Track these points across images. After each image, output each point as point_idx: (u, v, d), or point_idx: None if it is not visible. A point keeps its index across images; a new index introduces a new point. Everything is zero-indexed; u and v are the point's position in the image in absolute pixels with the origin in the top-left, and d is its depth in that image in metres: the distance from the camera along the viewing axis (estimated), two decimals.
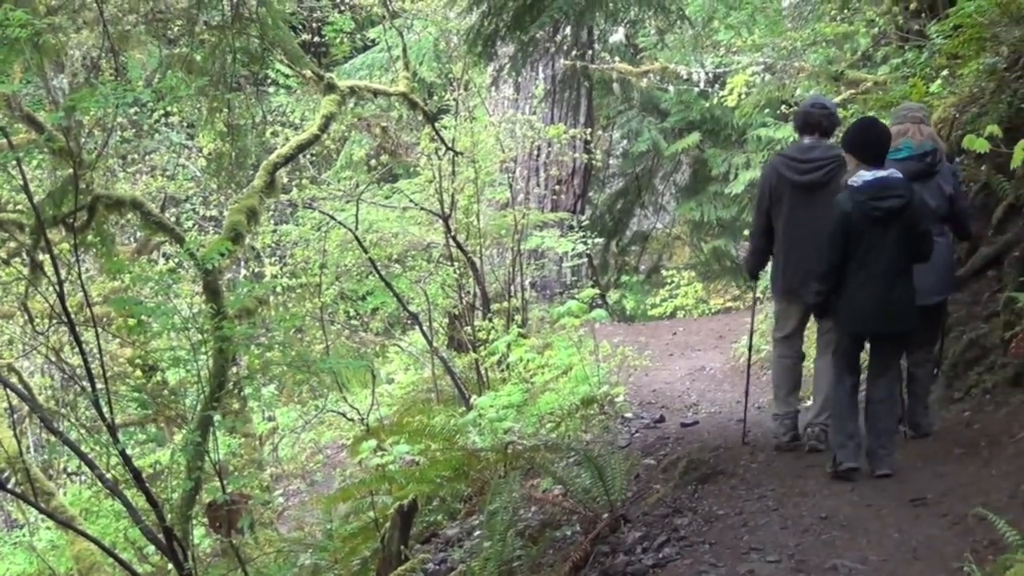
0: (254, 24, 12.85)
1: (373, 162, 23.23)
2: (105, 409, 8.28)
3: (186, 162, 22.69)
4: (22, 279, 13.73)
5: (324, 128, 14.98)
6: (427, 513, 11.60)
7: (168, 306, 9.63)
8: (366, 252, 15.91)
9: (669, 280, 26.96)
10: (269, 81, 18.95)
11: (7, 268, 15.17)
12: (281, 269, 21.75)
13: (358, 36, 24.68)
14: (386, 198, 18.66)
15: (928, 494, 8.50)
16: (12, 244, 14.34)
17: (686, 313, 25.70)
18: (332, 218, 16.78)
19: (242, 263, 22.92)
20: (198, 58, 13.15)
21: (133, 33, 14.09)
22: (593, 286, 22.17)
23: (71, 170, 11.68)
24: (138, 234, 20.21)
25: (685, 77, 25.87)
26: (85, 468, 10.52)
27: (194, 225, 22.67)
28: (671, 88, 27.11)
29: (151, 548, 11.24)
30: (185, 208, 23.02)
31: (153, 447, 16.20)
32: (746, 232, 18.53)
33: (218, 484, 8.97)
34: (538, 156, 23.33)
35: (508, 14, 12.46)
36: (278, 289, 20.17)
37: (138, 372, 16.69)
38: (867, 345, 9.64)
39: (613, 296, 27.90)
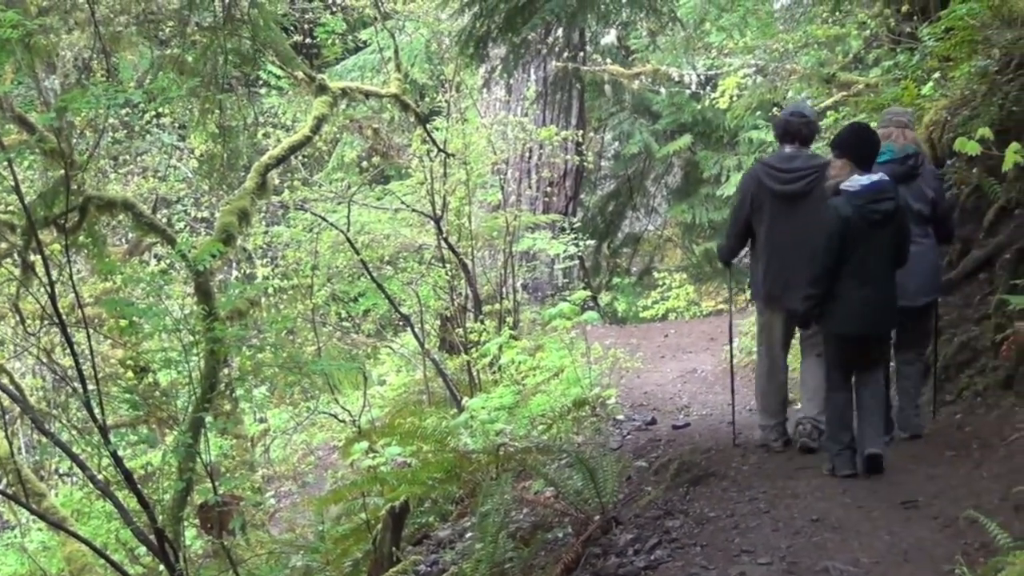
0: (246, 25, 12.85)
1: (365, 164, 23.22)
2: (96, 410, 8.28)
3: (178, 163, 22.70)
4: (13, 280, 13.73)
5: (316, 129, 14.99)
6: (419, 515, 11.61)
7: (160, 307, 9.62)
8: (358, 254, 15.92)
9: (661, 282, 26.95)
10: (261, 82, 18.94)
11: None
12: (273, 271, 21.74)
13: (350, 38, 24.73)
14: (378, 200, 18.67)
15: (919, 496, 8.51)
16: (3, 245, 14.33)
17: (678, 315, 25.70)
18: (324, 220, 16.78)
19: (234, 264, 22.91)
20: (190, 59, 13.14)
21: (125, 34, 14.08)
22: (585, 288, 22.17)
23: (63, 171, 11.67)
24: (130, 235, 20.23)
25: (677, 79, 25.93)
26: (77, 469, 10.52)
27: (186, 226, 22.70)
28: (663, 90, 27.16)
29: (142, 549, 11.22)
30: (177, 209, 23.05)
31: (144, 448, 16.17)
32: None
33: (209, 485, 8.97)
34: (530, 158, 23.34)
35: (500, 16, 12.47)
36: (270, 291, 20.18)
37: (130, 373, 16.68)
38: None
39: (605, 298, 27.90)
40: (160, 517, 8.68)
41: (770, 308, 10.78)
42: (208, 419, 10.13)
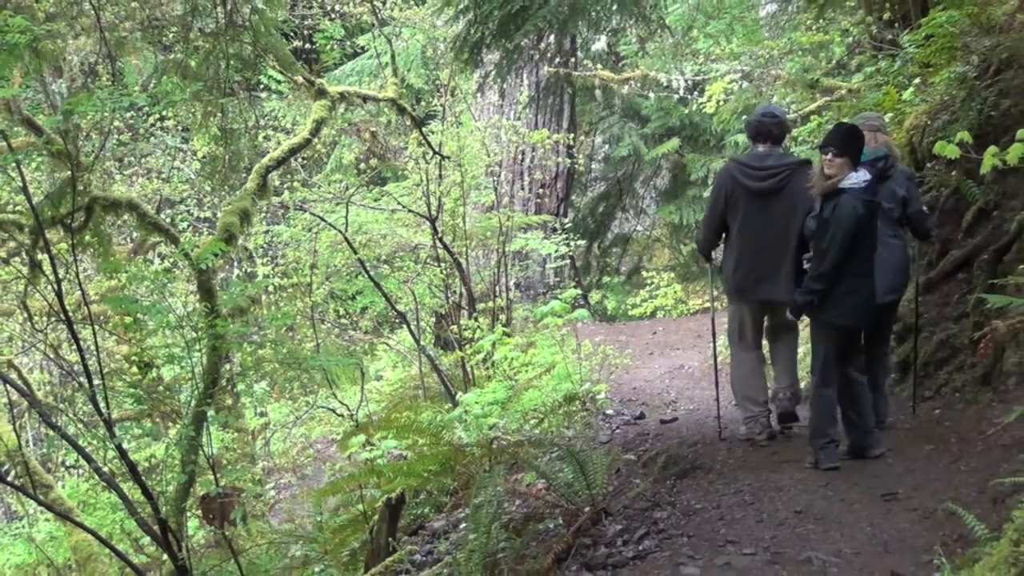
0: (247, 31, 12.83)
1: (362, 166, 23.20)
2: (102, 404, 8.26)
3: (181, 165, 22.66)
4: (21, 278, 13.71)
5: (315, 132, 14.96)
6: (414, 506, 11.60)
7: (163, 305, 9.60)
8: (356, 253, 15.89)
9: (649, 281, 26.91)
10: (262, 87, 18.92)
11: (7, 267, 15.15)
12: (273, 269, 21.71)
13: (348, 43, 24.73)
14: (375, 201, 18.65)
15: (899, 489, 8.53)
16: (11, 244, 14.33)
17: (665, 313, 25.67)
18: (322, 220, 16.77)
19: (235, 263, 22.89)
20: (193, 64, 13.12)
21: (129, 39, 14.06)
22: (575, 287, 22.23)
23: (69, 172, 11.66)
24: (134, 235, 20.18)
25: (665, 84, 25.89)
26: (83, 462, 10.50)
27: (189, 226, 22.67)
28: (651, 95, 27.12)
29: (147, 539, 11.24)
30: (180, 210, 23.02)
31: (149, 441, 16.20)
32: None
33: (211, 477, 8.95)
34: (522, 160, 23.33)
35: (494, 22, 12.47)
36: (270, 288, 20.17)
37: (134, 369, 16.67)
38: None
39: (595, 296, 27.89)
40: (164, 508, 8.66)
41: (741, 300, 10.98)
42: (210, 413, 10.11)
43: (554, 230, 21.66)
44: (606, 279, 29.76)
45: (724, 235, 11.07)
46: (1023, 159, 7.19)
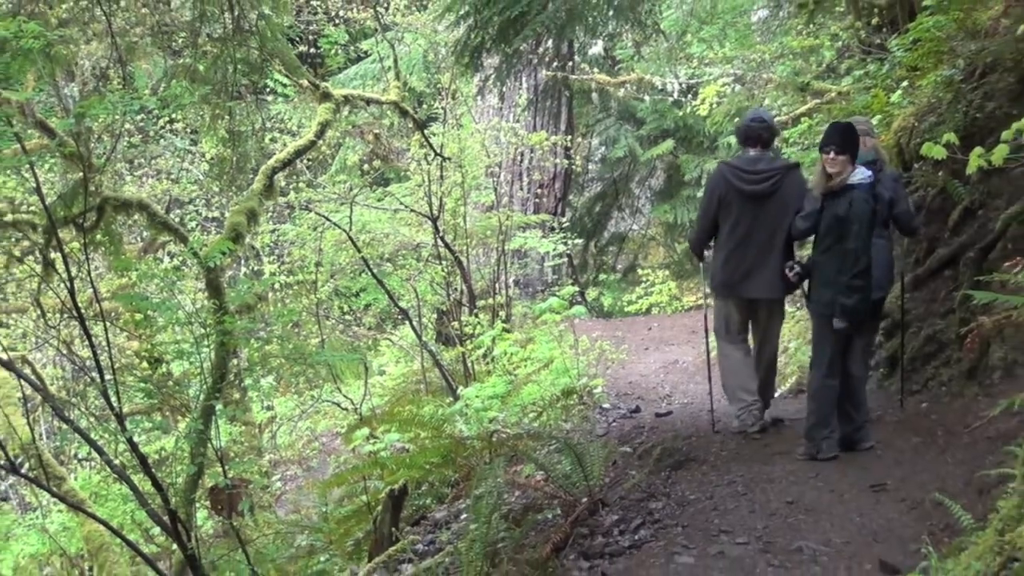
0: (254, 36, 12.83)
1: (366, 167, 23.23)
2: (113, 399, 8.25)
3: (190, 166, 22.69)
4: (35, 276, 13.73)
5: (320, 135, 14.95)
6: (417, 497, 11.61)
7: (172, 302, 9.59)
8: (359, 251, 15.88)
9: (644, 278, 26.93)
10: (268, 90, 18.89)
11: (21, 266, 15.17)
12: (279, 267, 21.70)
13: (352, 48, 24.70)
14: (378, 200, 18.66)
15: (888, 480, 8.54)
16: (25, 243, 14.32)
17: (660, 310, 25.67)
18: (327, 219, 16.76)
19: (242, 261, 22.92)
20: (201, 68, 13.11)
21: (140, 44, 14.06)
22: (573, 284, 22.21)
23: (81, 173, 11.65)
24: (144, 234, 20.19)
25: (660, 87, 25.86)
26: (94, 454, 10.50)
27: (197, 225, 22.68)
28: (647, 98, 27.09)
29: (157, 530, 11.24)
30: (189, 209, 23.03)
31: (158, 434, 16.18)
32: None
33: (219, 469, 8.95)
34: (521, 161, 23.33)
35: (493, 28, 12.47)
36: (276, 286, 20.17)
37: (144, 364, 16.64)
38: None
39: (592, 293, 27.86)
40: (173, 499, 8.65)
41: (727, 295, 11.09)
42: (218, 407, 10.09)
43: (552, 229, 21.70)
44: (602, 276, 29.75)
45: (715, 234, 11.14)
46: (1008, 160, 7.18)
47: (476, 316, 16.52)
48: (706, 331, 12.11)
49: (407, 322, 16.73)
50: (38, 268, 13.40)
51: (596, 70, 26.77)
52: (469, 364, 15.53)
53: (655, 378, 16.16)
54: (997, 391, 9.33)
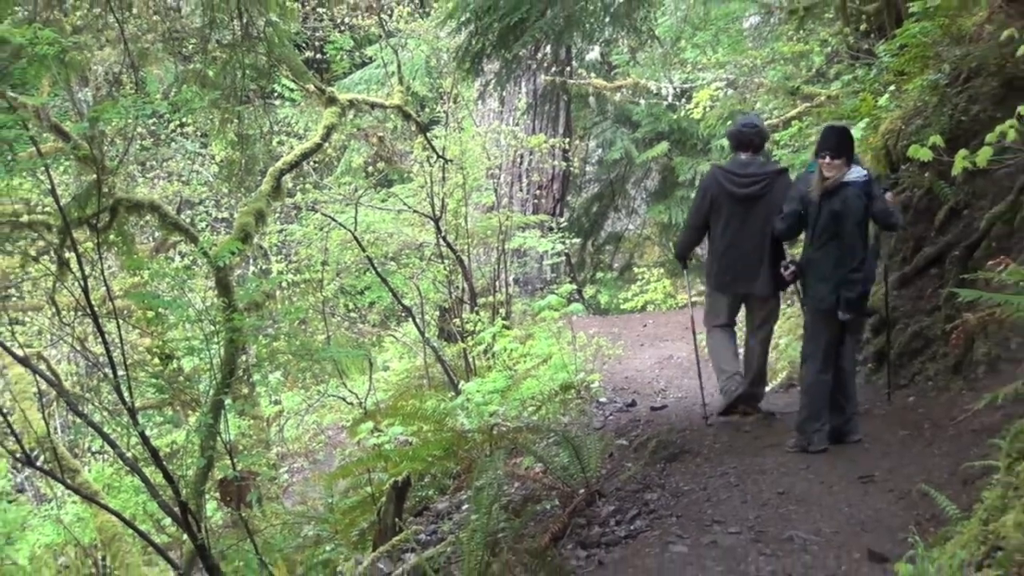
0: (262, 42, 12.82)
1: (370, 168, 23.22)
2: (126, 394, 8.25)
3: (200, 168, 22.68)
4: (50, 275, 13.70)
5: (326, 137, 14.95)
6: (419, 489, 11.60)
7: (183, 300, 9.60)
8: (364, 251, 15.87)
9: (640, 276, 26.89)
10: (276, 95, 18.91)
11: (37, 265, 15.15)
12: (286, 266, 21.69)
13: (357, 54, 24.73)
14: (382, 201, 18.66)
15: (876, 472, 8.55)
16: (41, 243, 14.30)
17: (655, 307, 25.64)
18: (333, 219, 16.75)
19: (251, 261, 22.91)
20: (211, 73, 13.10)
21: (151, 50, 14.05)
22: (571, 282, 22.19)
23: (95, 175, 11.63)
24: (156, 234, 20.16)
25: (655, 91, 25.85)
26: (107, 447, 10.47)
27: (207, 226, 22.68)
28: (642, 101, 27.07)
29: (168, 520, 11.22)
30: (199, 210, 23.03)
31: (170, 428, 16.19)
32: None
33: (229, 462, 8.94)
34: (521, 163, 23.32)
35: (494, 34, 12.46)
36: (283, 284, 20.14)
37: (156, 360, 16.63)
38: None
39: (589, 291, 27.84)
40: (184, 491, 8.64)
41: (721, 291, 11.26)
42: (227, 402, 10.10)
43: (551, 229, 21.70)
44: (599, 275, 29.73)
45: (706, 236, 11.32)
46: (991, 161, 7.18)
47: (477, 313, 16.53)
48: (694, 332, 12.15)
49: (410, 319, 16.73)
50: (53, 267, 13.37)
51: (593, 75, 26.74)
52: (470, 360, 15.54)
53: (650, 373, 16.15)
54: (981, 385, 9.33)
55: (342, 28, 24.25)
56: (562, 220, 23.77)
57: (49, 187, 9.44)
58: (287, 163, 14.11)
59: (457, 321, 16.54)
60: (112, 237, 13.82)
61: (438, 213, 16.26)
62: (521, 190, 23.27)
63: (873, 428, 9.81)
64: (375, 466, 10.53)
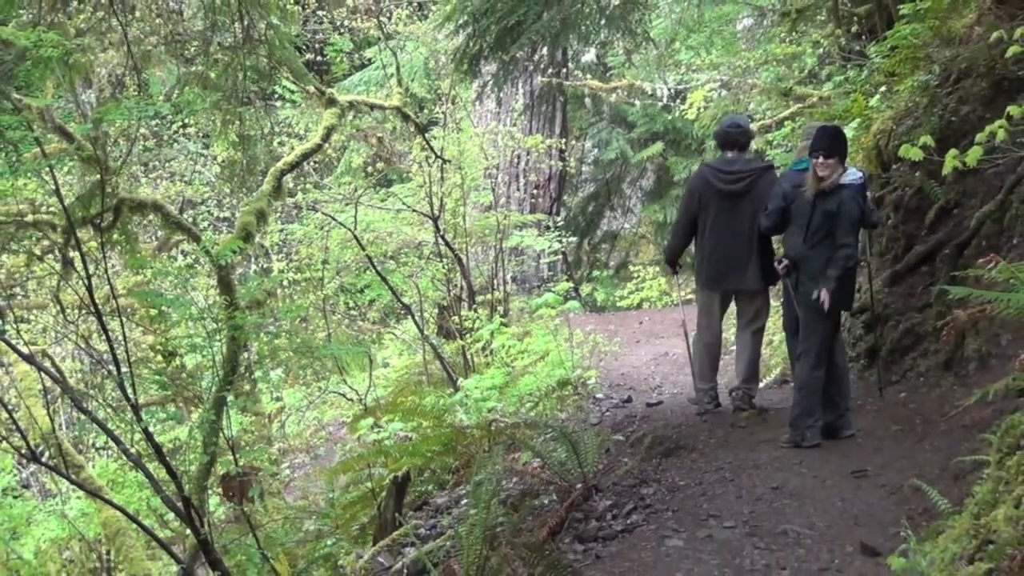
0: (263, 45, 12.81)
1: (370, 169, 23.18)
2: (129, 390, 8.23)
3: (202, 169, 22.66)
4: (55, 274, 13.69)
5: (326, 138, 14.94)
6: (419, 484, 11.59)
7: (186, 298, 9.58)
8: (364, 249, 15.85)
9: (636, 274, 26.89)
10: (276, 96, 18.89)
11: (41, 264, 15.13)
12: (287, 265, 21.70)
13: (356, 56, 24.71)
14: (382, 201, 18.65)
15: (868, 467, 8.56)
16: (45, 242, 14.30)
17: (651, 304, 25.64)
18: (333, 219, 16.74)
19: (252, 259, 22.89)
20: (213, 75, 13.09)
21: (154, 53, 14.04)
22: (567, 280, 22.22)
23: (98, 176, 11.61)
24: (159, 233, 20.13)
25: (650, 93, 25.83)
26: (111, 443, 10.47)
27: (209, 225, 22.66)
28: (637, 102, 27.10)
29: (171, 515, 11.20)
30: (201, 210, 23.01)
31: (173, 424, 16.19)
32: None
33: (231, 458, 8.93)
34: (518, 163, 23.30)
35: (491, 36, 12.47)
36: (285, 283, 20.13)
37: (159, 357, 16.63)
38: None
39: (585, 289, 27.86)
40: (187, 486, 8.63)
41: (710, 289, 11.42)
42: (230, 398, 10.07)
43: (547, 228, 21.68)
44: (596, 273, 29.74)
45: (696, 234, 11.42)
46: (981, 161, 7.18)
47: (475, 311, 16.52)
48: (686, 332, 12.19)
49: (410, 317, 16.72)
50: (57, 266, 13.37)
51: (589, 76, 26.76)
52: (469, 357, 15.53)
53: (646, 369, 16.14)
54: (972, 381, 9.34)
55: (342, 31, 24.23)
56: (559, 219, 23.76)
57: (53, 187, 9.42)
58: (288, 163, 14.10)
59: (456, 319, 16.52)
60: (115, 236, 13.80)
61: (437, 212, 16.25)
62: (518, 190, 23.25)
63: (866, 424, 9.83)
64: (375, 462, 10.53)
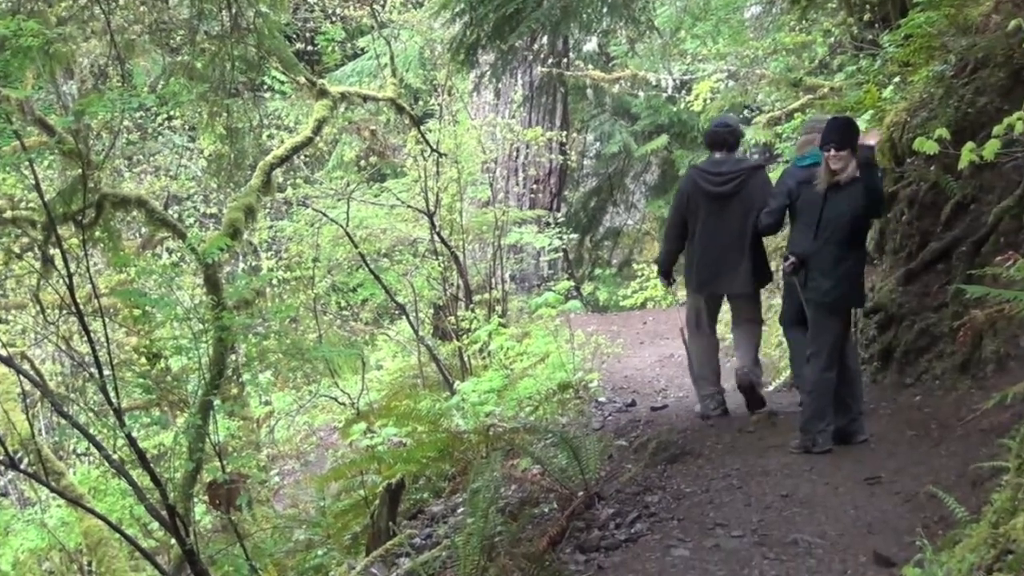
0: (251, 34, 12.81)
1: (363, 163, 23.14)
2: (112, 394, 8.24)
3: (188, 163, 22.63)
4: (34, 272, 13.71)
5: (317, 131, 14.94)
6: (414, 491, 11.59)
7: (171, 297, 9.61)
8: (356, 247, 15.88)
9: (639, 273, 26.82)
10: (265, 87, 18.85)
11: (20, 262, 15.14)
12: (277, 263, 21.69)
13: (348, 45, 24.70)
14: (375, 196, 18.64)
15: (882, 473, 8.55)
16: (25, 240, 14.30)
17: (655, 304, 25.59)
18: (324, 215, 16.75)
19: (240, 257, 22.88)
20: (199, 66, 13.09)
21: (138, 42, 14.03)
22: (568, 279, 22.17)
23: (80, 170, 11.61)
24: (143, 230, 20.12)
25: (654, 83, 25.90)
26: (93, 449, 10.46)
27: (195, 222, 22.62)
28: (641, 94, 27.15)
29: (155, 524, 11.23)
30: (187, 206, 22.97)
31: (157, 430, 16.14)
32: None
33: (218, 464, 8.94)
34: (517, 157, 23.30)
35: (489, 25, 12.47)
36: (274, 282, 20.12)
37: (143, 359, 16.64)
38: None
39: (587, 288, 27.84)
40: (172, 494, 8.64)
41: (701, 292, 11.55)
42: (216, 402, 10.09)
43: (548, 224, 21.67)
44: (598, 271, 29.74)
45: (686, 239, 11.53)
46: (999, 154, 7.17)
47: (472, 311, 16.55)
48: (683, 334, 12.24)
49: (404, 317, 16.76)
50: (37, 264, 13.39)
51: (591, 66, 26.76)
52: (466, 359, 15.56)
53: (650, 372, 16.14)
54: (990, 384, 9.32)
55: (333, 19, 24.20)
56: (559, 215, 23.74)
57: (33, 182, 9.43)
58: (277, 157, 14.11)
59: (452, 319, 16.54)
60: (98, 233, 13.80)
61: (432, 208, 16.28)
62: (517, 184, 23.25)
63: (879, 428, 9.82)
64: (368, 468, 10.55)
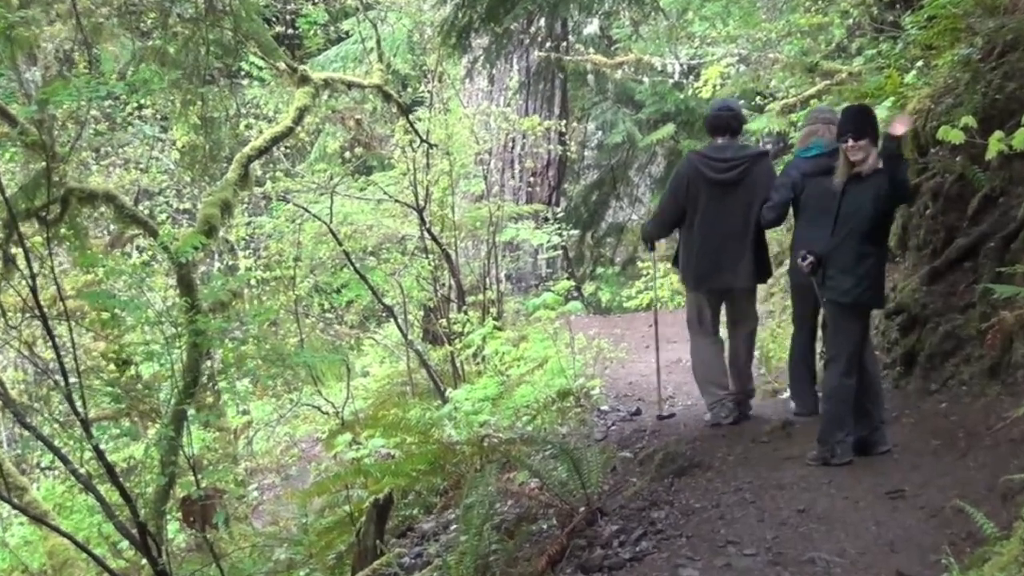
0: (228, 17, 12.82)
1: (347, 154, 23.17)
2: (78, 403, 8.24)
3: (159, 155, 22.65)
4: None
5: (298, 120, 14.96)
6: (403, 507, 11.60)
7: (142, 300, 9.61)
8: (341, 244, 15.88)
9: (644, 272, 26.91)
10: (243, 73, 18.91)
11: None
12: (255, 262, 21.69)
13: (332, 28, 24.74)
14: (360, 190, 18.66)
15: (905, 486, 8.53)
16: None
17: (662, 305, 25.64)
18: (306, 211, 16.75)
19: (216, 256, 22.89)
20: (171, 51, 13.11)
21: (106, 26, 14.04)
22: (568, 278, 22.15)
23: (44, 163, 11.63)
24: (111, 227, 20.16)
25: (660, 68, 25.90)
26: (58, 463, 10.49)
27: (168, 218, 22.65)
28: (646, 79, 27.13)
29: (125, 543, 11.20)
30: (159, 201, 23.01)
31: (127, 441, 16.14)
32: None
33: (192, 478, 8.95)
34: (513, 148, 23.32)
35: (482, 6, 12.48)
36: (252, 282, 20.15)
37: (112, 366, 16.64)
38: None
39: (588, 288, 27.87)
40: (142, 511, 8.65)
41: (699, 288, 11.48)
42: (190, 412, 10.10)
43: (546, 220, 21.65)
44: (600, 270, 29.77)
45: (683, 226, 11.50)
46: None
47: (465, 313, 16.53)
48: (656, 342, 12.26)
49: (392, 320, 16.76)
50: None
51: (592, 51, 26.79)
52: (458, 364, 15.56)
53: (656, 378, 16.16)
54: (1021, 390, 9.32)
55: (315, 0, 24.24)
56: (558, 210, 23.71)
57: None
58: (256, 149, 14.12)
59: (443, 322, 16.54)
60: (63, 231, 13.82)
61: (422, 203, 16.28)
62: (513, 177, 23.27)
63: (902, 438, 9.80)
64: (354, 482, 10.55)
